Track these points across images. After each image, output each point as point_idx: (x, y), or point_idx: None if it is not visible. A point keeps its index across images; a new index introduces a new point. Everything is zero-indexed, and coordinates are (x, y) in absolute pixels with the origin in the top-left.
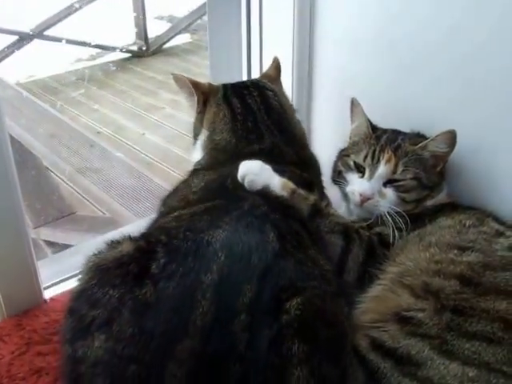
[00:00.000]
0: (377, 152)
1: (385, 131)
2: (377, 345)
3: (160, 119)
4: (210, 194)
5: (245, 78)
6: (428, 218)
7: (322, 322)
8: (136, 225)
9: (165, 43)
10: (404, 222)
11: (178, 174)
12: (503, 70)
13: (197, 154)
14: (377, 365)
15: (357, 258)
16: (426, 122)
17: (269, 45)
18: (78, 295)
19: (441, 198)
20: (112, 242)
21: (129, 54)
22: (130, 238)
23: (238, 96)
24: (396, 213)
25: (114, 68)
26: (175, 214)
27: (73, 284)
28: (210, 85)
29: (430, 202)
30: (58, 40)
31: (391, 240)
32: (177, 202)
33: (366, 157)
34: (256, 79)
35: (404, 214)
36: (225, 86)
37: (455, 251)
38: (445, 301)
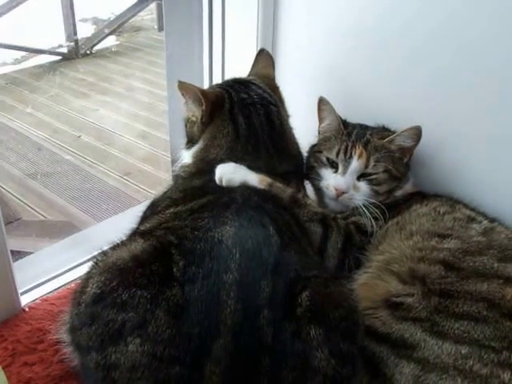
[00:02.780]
0: (349, 148)
1: (354, 127)
2: (370, 332)
3: (95, 121)
4: (197, 192)
5: (206, 83)
6: (402, 207)
7: (330, 305)
8: (100, 227)
9: (95, 45)
10: (380, 211)
11: (119, 176)
12: (464, 65)
13: (186, 158)
14: (372, 350)
15: (335, 245)
16: (390, 114)
17: (231, 47)
18: (98, 298)
19: (408, 187)
20: (118, 242)
21: (59, 57)
22: (140, 236)
23: (244, 114)
24: (371, 204)
25: (51, 70)
26: (171, 210)
27: (47, 290)
28: (216, 94)
29: (399, 193)
30: None
31: (369, 229)
32: (166, 201)
33: (338, 153)
34: (260, 87)
35: (379, 204)
36: (230, 95)
37: (436, 239)
38: (431, 285)
